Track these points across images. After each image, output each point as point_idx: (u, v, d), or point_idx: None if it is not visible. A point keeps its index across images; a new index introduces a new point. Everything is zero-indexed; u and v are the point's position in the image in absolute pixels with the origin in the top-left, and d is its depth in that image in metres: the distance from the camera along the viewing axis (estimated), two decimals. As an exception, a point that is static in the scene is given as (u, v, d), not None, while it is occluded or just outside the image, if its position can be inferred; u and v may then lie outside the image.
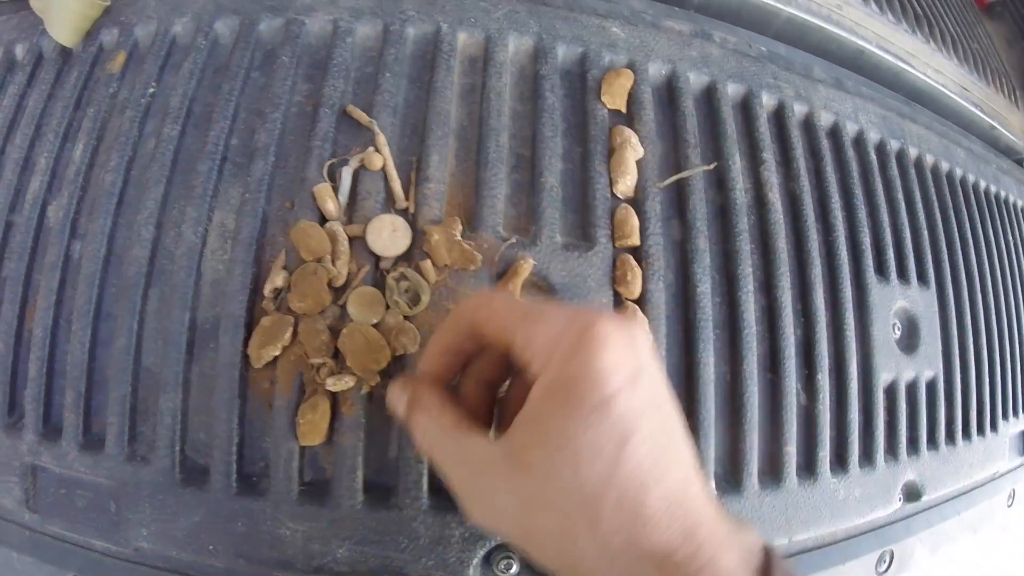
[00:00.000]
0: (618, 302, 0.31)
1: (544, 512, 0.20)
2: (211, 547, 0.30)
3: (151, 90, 0.34)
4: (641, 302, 0.31)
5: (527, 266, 0.29)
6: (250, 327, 0.30)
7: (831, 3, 0.45)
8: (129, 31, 0.36)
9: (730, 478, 0.33)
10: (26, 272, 0.34)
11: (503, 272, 0.30)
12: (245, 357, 0.29)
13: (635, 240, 0.32)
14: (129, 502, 0.30)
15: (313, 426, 0.28)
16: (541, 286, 0.30)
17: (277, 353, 0.29)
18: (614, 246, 0.31)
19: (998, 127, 0.55)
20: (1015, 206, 0.54)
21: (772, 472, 0.34)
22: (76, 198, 0.34)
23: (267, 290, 0.29)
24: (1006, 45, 0.63)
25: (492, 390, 0.25)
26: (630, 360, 0.20)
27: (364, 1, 0.34)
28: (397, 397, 0.25)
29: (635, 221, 0.32)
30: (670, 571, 0.19)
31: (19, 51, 0.40)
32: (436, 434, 0.23)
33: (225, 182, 0.32)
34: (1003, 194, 0.53)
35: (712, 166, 0.35)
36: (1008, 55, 0.63)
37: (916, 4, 0.51)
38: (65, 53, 0.38)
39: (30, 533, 0.33)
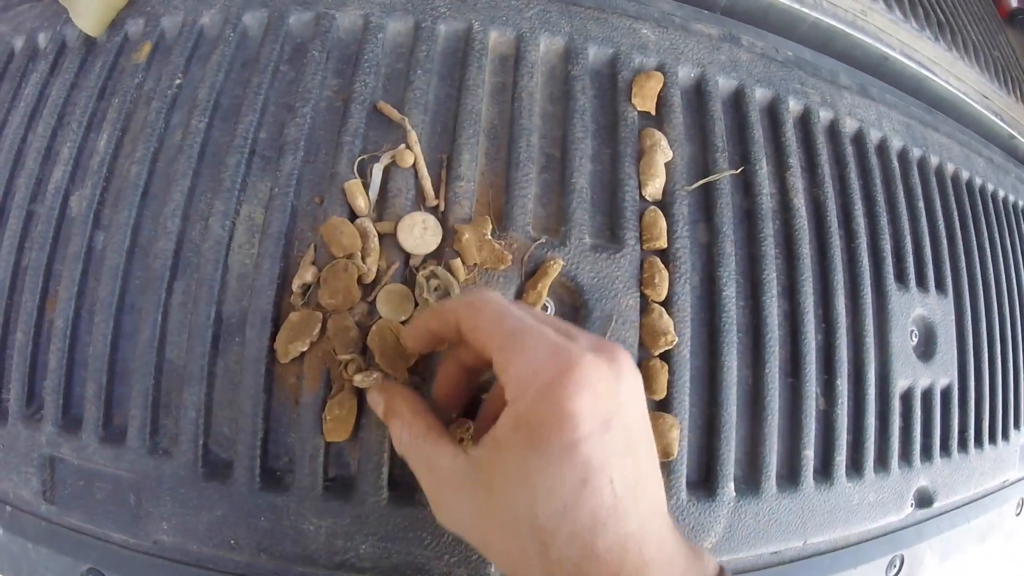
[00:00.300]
0: (645, 303, 0.31)
1: (499, 531, 0.21)
2: (232, 541, 0.29)
3: (178, 81, 0.34)
4: (667, 304, 0.31)
5: (556, 266, 0.29)
6: (277, 322, 0.30)
7: (856, 8, 0.46)
8: (156, 21, 0.36)
9: (749, 480, 0.33)
10: (47, 262, 0.33)
11: (532, 272, 0.30)
12: (272, 352, 0.29)
13: (663, 243, 0.32)
14: (150, 495, 0.30)
15: (340, 422, 0.28)
16: (569, 287, 0.30)
17: (305, 349, 0.29)
18: (642, 248, 0.31)
19: (1017, 136, 0.55)
20: None
21: (790, 475, 0.34)
22: (100, 189, 0.33)
23: (296, 285, 0.29)
24: None
25: (471, 375, 0.26)
26: (604, 405, 0.20)
27: (395, -3, 0.34)
28: (375, 402, 0.26)
29: (663, 224, 0.32)
30: None
31: (42, 39, 0.40)
32: (408, 441, 0.24)
33: (254, 176, 0.31)
34: (1021, 204, 0.53)
35: (739, 171, 0.35)
36: None
37: (939, 11, 0.51)
38: (89, 42, 0.38)
39: (47, 524, 0.33)
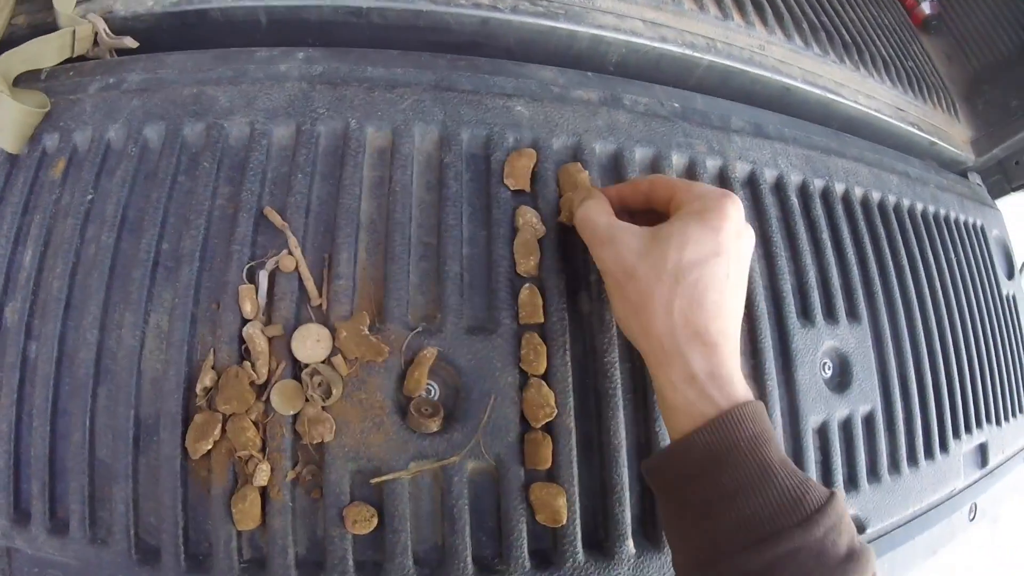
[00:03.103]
0: (525, 379, 0.33)
1: (650, 266, 0.29)
2: (168, 620, 0.33)
3: (89, 196, 0.37)
4: (547, 377, 0.33)
5: (431, 355, 0.31)
6: (187, 421, 0.32)
7: (752, 45, 0.46)
8: (68, 136, 0.39)
9: (652, 535, 0.35)
10: (-11, 370, 0.37)
11: (411, 360, 0.32)
12: (184, 449, 0.32)
13: (539, 318, 0.33)
14: (94, 580, 0.34)
15: (245, 514, 0.31)
16: (449, 370, 0.32)
17: (210, 447, 0.31)
18: (519, 325, 0.33)
19: (939, 142, 0.55)
20: (956, 222, 0.55)
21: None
22: (29, 302, 0.36)
23: (198, 389, 0.32)
24: (945, 59, 0.62)
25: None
26: (740, 225, 0.31)
27: (278, 101, 0.36)
28: (569, 199, 0.35)
29: (539, 300, 0.34)
30: (709, 352, 0.28)
31: (-28, 153, 0.43)
32: (596, 212, 0.32)
33: (158, 286, 0.34)
34: (942, 212, 0.53)
35: None
36: (948, 69, 0.62)
37: (844, 32, 0.51)
38: (12, 157, 0.40)
39: (11, 609, 0.36)
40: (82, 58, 0.43)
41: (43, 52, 0.42)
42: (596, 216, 0.32)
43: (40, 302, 0.37)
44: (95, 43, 0.43)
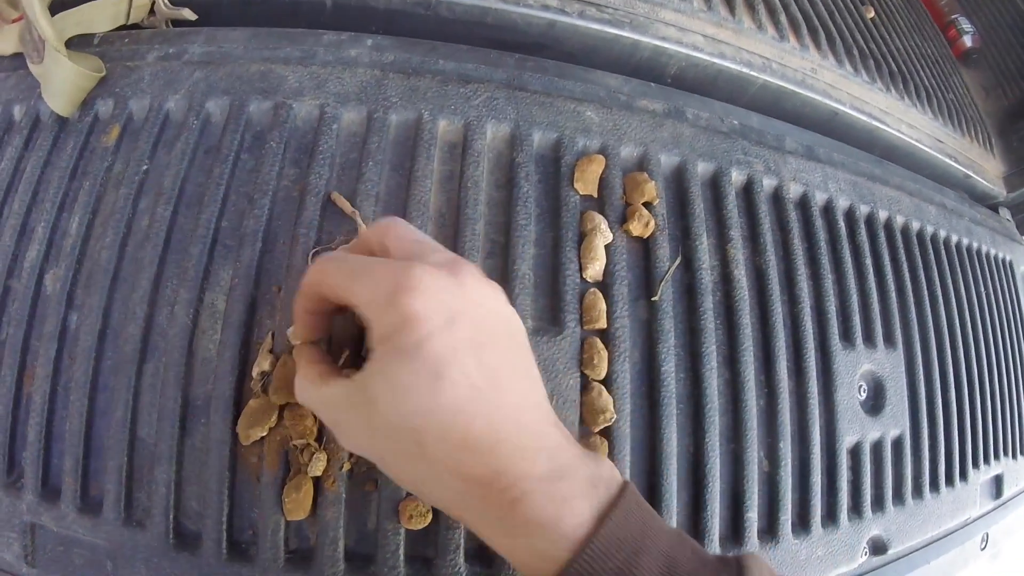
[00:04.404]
0: (585, 382, 0.33)
1: (384, 439, 0.23)
2: (202, 607, 0.32)
3: (145, 167, 0.36)
4: (607, 382, 0.33)
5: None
6: (239, 406, 0.32)
7: (805, 67, 0.47)
8: (124, 104, 0.38)
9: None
10: (24, 338, 0.35)
11: (477, 358, 0.31)
12: (235, 434, 0.31)
13: (603, 323, 0.33)
14: (125, 563, 0.32)
15: (298, 504, 0.30)
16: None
17: (264, 434, 0.31)
18: (582, 329, 0.33)
19: (973, 175, 0.57)
20: (987, 256, 0.56)
21: (734, 537, 0.36)
22: (73, 270, 0.35)
23: (255, 373, 0.31)
24: (983, 93, 0.64)
25: (361, 332, 0.29)
26: (444, 306, 0.22)
27: (350, 86, 0.35)
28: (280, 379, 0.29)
29: (603, 305, 0.34)
30: (493, 499, 0.21)
31: (16, 112, 0.41)
32: (305, 388, 0.26)
33: (216, 264, 0.33)
34: (975, 246, 0.55)
35: (677, 263, 0.36)
36: (985, 103, 0.64)
37: (891, 61, 0.53)
38: (61, 120, 0.39)
39: (30, 586, 0.35)
40: (136, 27, 0.42)
41: (97, 17, 0.41)
42: (307, 395, 0.26)
43: (85, 271, 0.35)
44: (151, 12, 0.42)
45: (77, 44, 0.40)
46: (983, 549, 0.52)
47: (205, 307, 0.33)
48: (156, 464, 0.32)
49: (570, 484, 0.22)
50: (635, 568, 0.20)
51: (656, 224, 0.36)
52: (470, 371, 0.22)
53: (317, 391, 0.25)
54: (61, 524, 0.33)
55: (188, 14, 0.41)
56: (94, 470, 0.34)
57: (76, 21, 0.40)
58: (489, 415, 0.22)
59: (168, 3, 0.41)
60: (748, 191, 0.40)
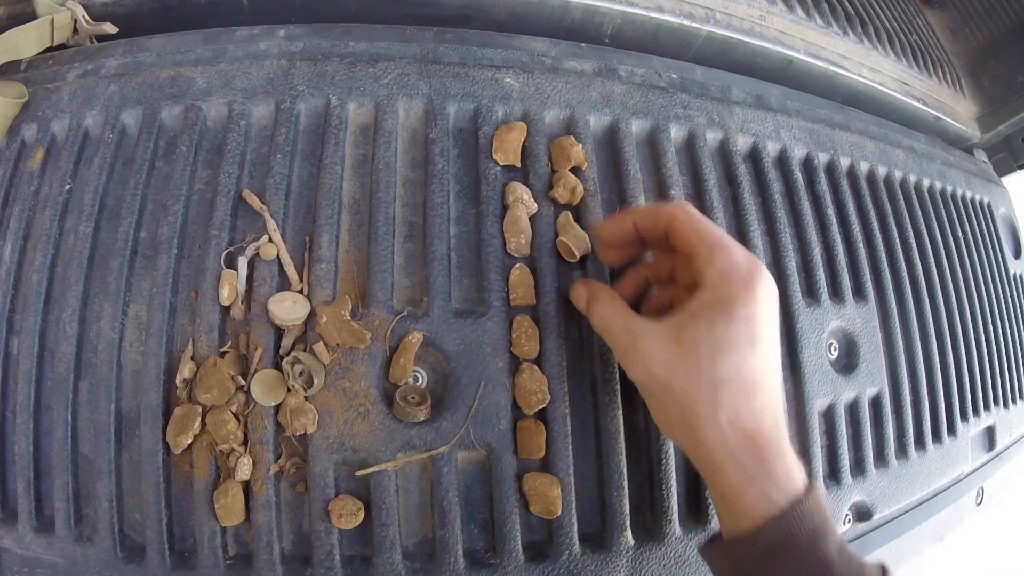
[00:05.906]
0: (516, 363, 0.31)
1: (683, 376, 0.27)
2: (155, 618, 0.32)
3: (67, 186, 0.36)
4: (540, 361, 0.31)
5: (416, 340, 0.30)
6: (168, 415, 0.31)
7: (753, 15, 0.44)
8: (46, 126, 0.38)
9: (650, 526, 0.33)
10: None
11: (397, 346, 0.30)
12: (167, 444, 0.31)
13: (531, 299, 0.32)
14: (82, 579, 0.33)
15: (228, 509, 0.30)
16: (435, 357, 0.31)
17: (191, 441, 0.30)
18: (510, 307, 0.32)
19: (944, 117, 0.53)
20: (963, 198, 0.52)
21: (697, 515, 0.34)
22: (10, 296, 0.35)
23: (178, 380, 0.31)
24: (949, 34, 0.59)
25: (641, 290, 0.34)
26: (774, 299, 0.28)
27: (257, 80, 0.34)
28: (578, 295, 0.31)
29: (530, 280, 0.32)
30: (764, 453, 0.27)
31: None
32: (610, 315, 0.30)
33: (137, 275, 0.33)
34: (949, 188, 0.51)
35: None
36: (952, 44, 0.59)
37: (847, 3, 0.49)
38: (-7, 149, 0.40)
39: (1, 608, 0.35)
40: (63, 47, 0.42)
41: (23, 42, 0.41)
42: (611, 321, 0.29)
43: (21, 296, 0.36)
44: (75, 31, 0.42)
45: (5, 72, 0.41)
46: (979, 504, 0.48)
47: (130, 319, 0.33)
48: (97, 479, 0.32)
49: (795, 457, 0.28)
50: (827, 533, 0.26)
51: (585, 189, 0.34)
52: (772, 349, 0.28)
53: (622, 320, 0.29)
54: (21, 545, 0.34)
55: (109, 28, 0.41)
56: (45, 490, 0.34)
57: (2, 50, 0.41)
58: (774, 387, 0.28)
59: (89, 19, 0.41)
60: (690, 147, 0.38)
